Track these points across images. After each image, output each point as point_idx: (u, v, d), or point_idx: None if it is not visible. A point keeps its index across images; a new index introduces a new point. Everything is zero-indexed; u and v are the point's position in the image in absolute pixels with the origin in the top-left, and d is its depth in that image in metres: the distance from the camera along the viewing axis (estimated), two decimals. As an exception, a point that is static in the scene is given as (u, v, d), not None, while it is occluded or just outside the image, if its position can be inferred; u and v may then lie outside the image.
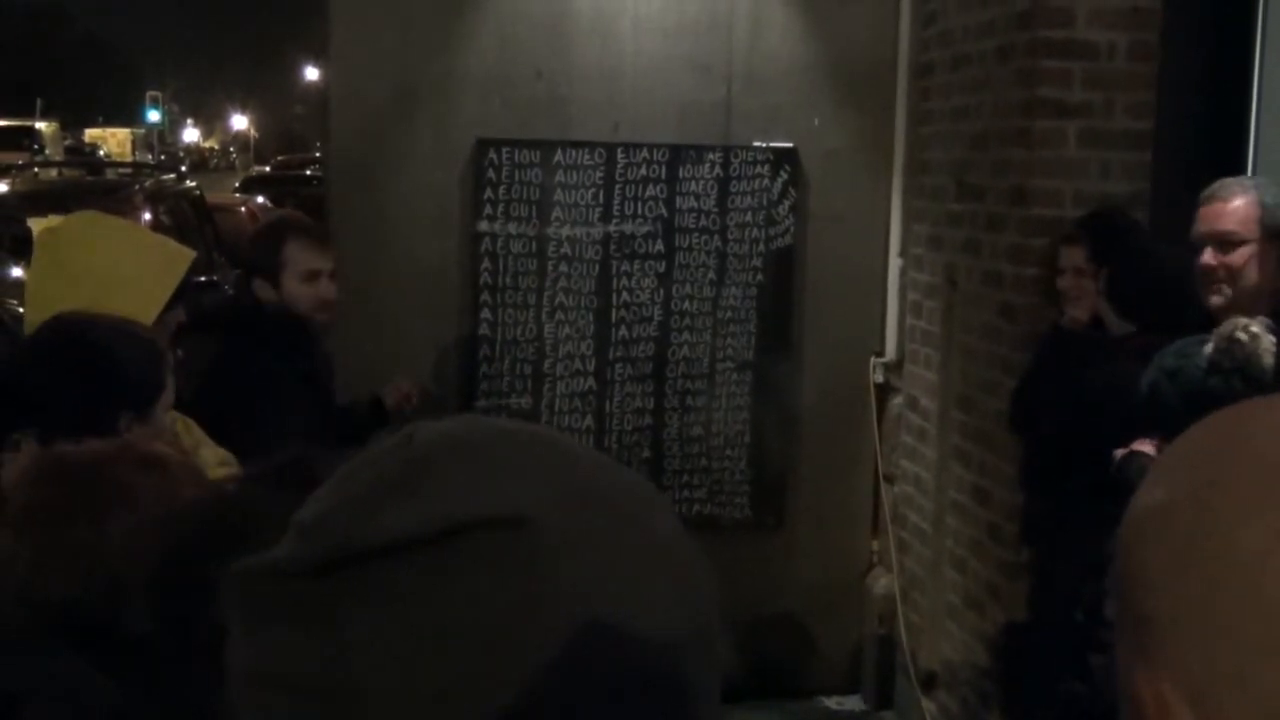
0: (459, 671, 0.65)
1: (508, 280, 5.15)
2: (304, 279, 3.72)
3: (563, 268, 5.18)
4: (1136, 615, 0.72)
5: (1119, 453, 2.92)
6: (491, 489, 0.69)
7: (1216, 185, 3.24)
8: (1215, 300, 3.15)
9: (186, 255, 3.07)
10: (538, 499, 0.69)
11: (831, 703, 5.54)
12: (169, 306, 2.87)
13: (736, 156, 5.25)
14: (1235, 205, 3.15)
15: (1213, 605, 0.68)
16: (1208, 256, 3.16)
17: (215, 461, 2.49)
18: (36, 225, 2.93)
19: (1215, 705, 0.67)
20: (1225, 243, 3.15)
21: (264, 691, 0.69)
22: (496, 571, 0.67)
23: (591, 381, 5.26)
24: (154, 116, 61.14)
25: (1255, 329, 2.69)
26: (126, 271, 2.78)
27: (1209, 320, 3.09)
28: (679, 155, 5.21)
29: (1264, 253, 3.12)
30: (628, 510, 0.73)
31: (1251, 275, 3.13)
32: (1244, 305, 3.04)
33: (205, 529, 1.16)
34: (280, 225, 4.09)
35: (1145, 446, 2.96)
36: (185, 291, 3.03)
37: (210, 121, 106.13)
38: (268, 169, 32.93)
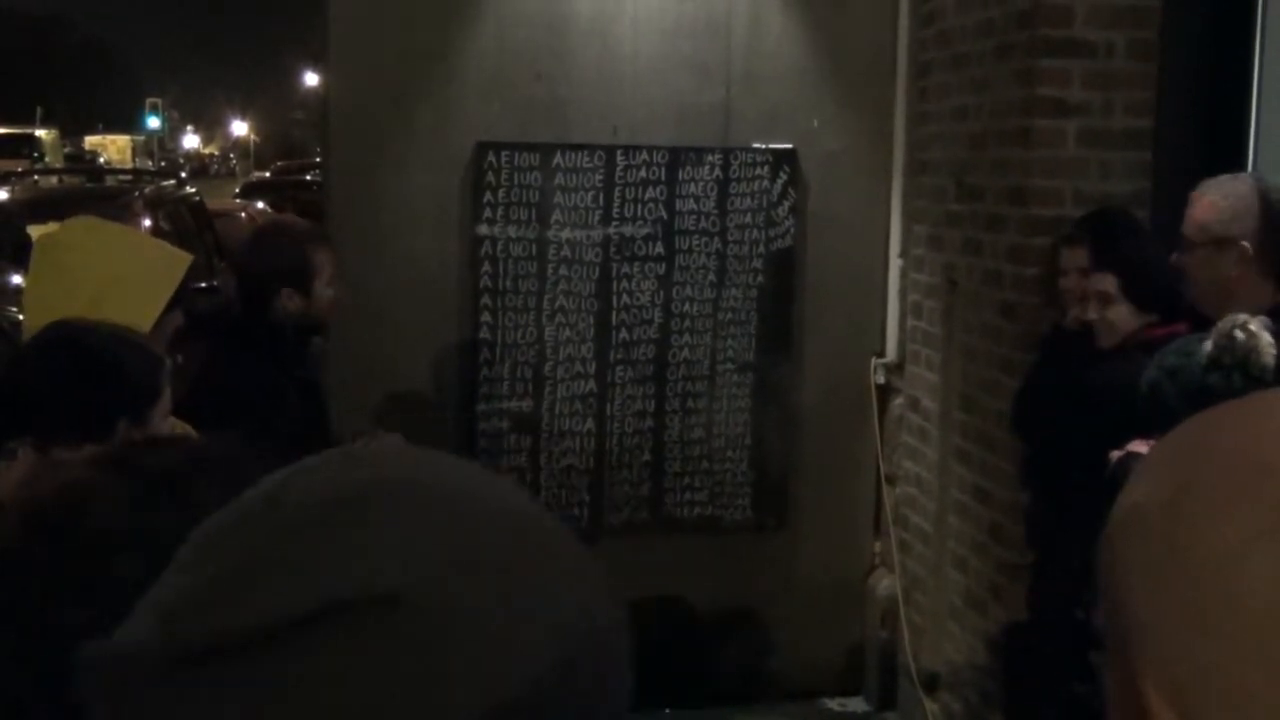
0: None
1: (508, 283, 5.15)
2: (329, 283, 3.79)
3: (563, 270, 5.18)
4: (1118, 616, 0.72)
5: (1115, 454, 2.91)
6: (365, 563, 0.66)
7: (1203, 183, 3.27)
8: (1188, 295, 3.24)
9: (184, 259, 3.06)
10: (415, 572, 0.66)
11: (834, 704, 5.53)
12: (167, 310, 2.87)
13: (736, 158, 5.24)
14: (1195, 208, 3.20)
15: (1189, 605, 0.68)
16: (1175, 256, 3.25)
17: None
18: (36, 232, 2.93)
19: (1195, 706, 0.67)
20: (1185, 243, 3.21)
21: None
22: (369, 654, 0.64)
23: (592, 384, 5.26)
24: (154, 123, 61.21)
25: (1253, 326, 2.69)
26: (124, 276, 2.78)
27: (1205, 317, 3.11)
28: (678, 157, 5.20)
29: (1210, 257, 3.15)
30: (515, 572, 0.70)
31: (1203, 276, 3.18)
32: (1208, 304, 3.08)
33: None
34: (305, 233, 4.10)
35: (1140, 447, 2.96)
36: (184, 295, 3.02)
37: (210, 128, 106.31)
38: (267, 174, 32.93)
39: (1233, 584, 0.67)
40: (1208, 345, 2.72)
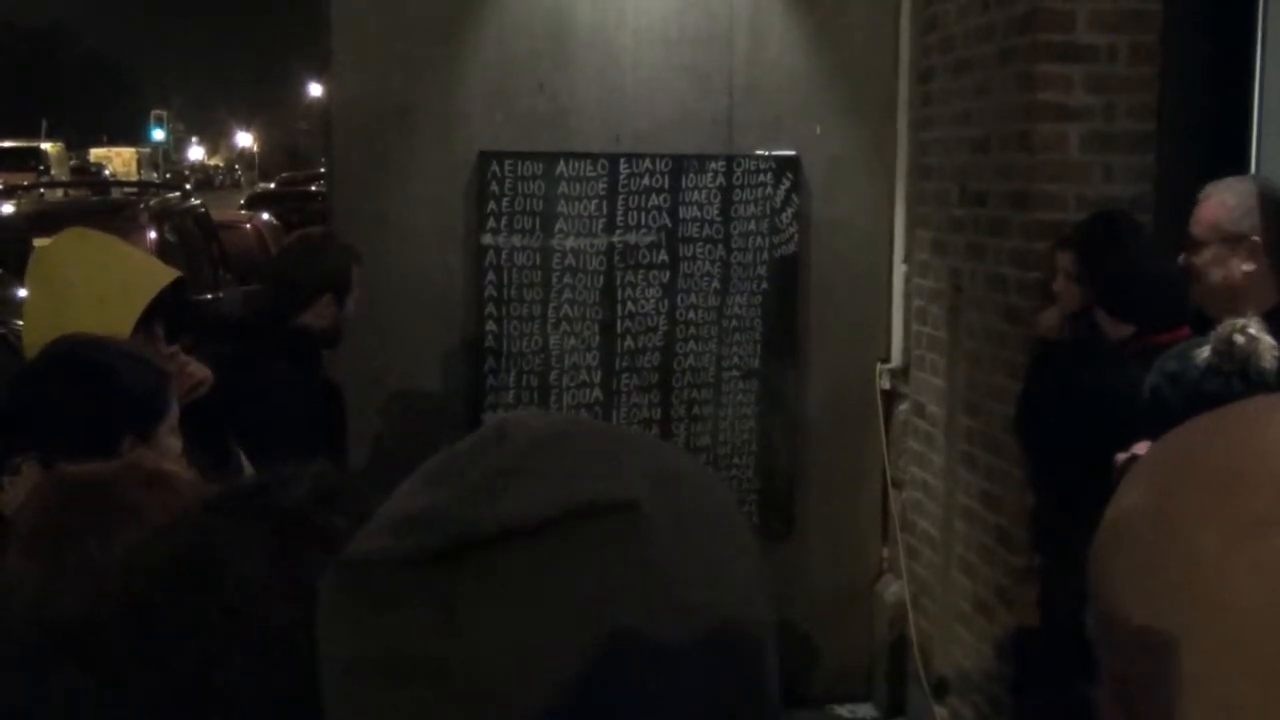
0: (576, 651, 0.67)
1: (513, 292, 5.16)
2: (356, 301, 3.91)
3: (567, 279, 5.19)
4: (1107, 620, 0.73)
5: (1121, 456, 2.91)
6: (601, 475, 0.71)
7: (1209, 185, 3.23)
8: (1194, 296, 3.18)
9: (166, 273, 3.01)
10: (641, 484, 0.71)
11: (844, 711, 5.53)
12: (153, 322, 2.85)
13: (739, 165, 5.25)
14: (1203, 208, 3.16)
15: (1172, 614, 0.69)
16: (1182, 257, 3.19)
17: None
18: (39, 246, 2.94)
19: (1180, 708, 0.68)
20: (1192, 243, 3.16)
21: (374, 677, 0.70)
22: (612, 554, 0.69)
23: (598, 392, 5.26)
24: (158, 135, 61.45)
25: (1253, 330, 2.68)
26: (106, 288, 2.77)
27: (1210, 320, 3.09)
28: (681, 165, 5.21)
29: (1221, 254, 3.12)
30: (707, 492, 0.76)
31: (1214, 275, 3.13)
32: (1216, 304, 3.05)
33: (169, 560, 1.15)
34: (349, 249, 4.10)
35: (1145, 450, 2.95)
36: (186, 310, 3.02)
37: (215, 139, 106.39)
38: (273, 186, 32.92)
39: (1212, 592, 0.68)
40: (1206, 350, 2.72)
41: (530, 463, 0.72)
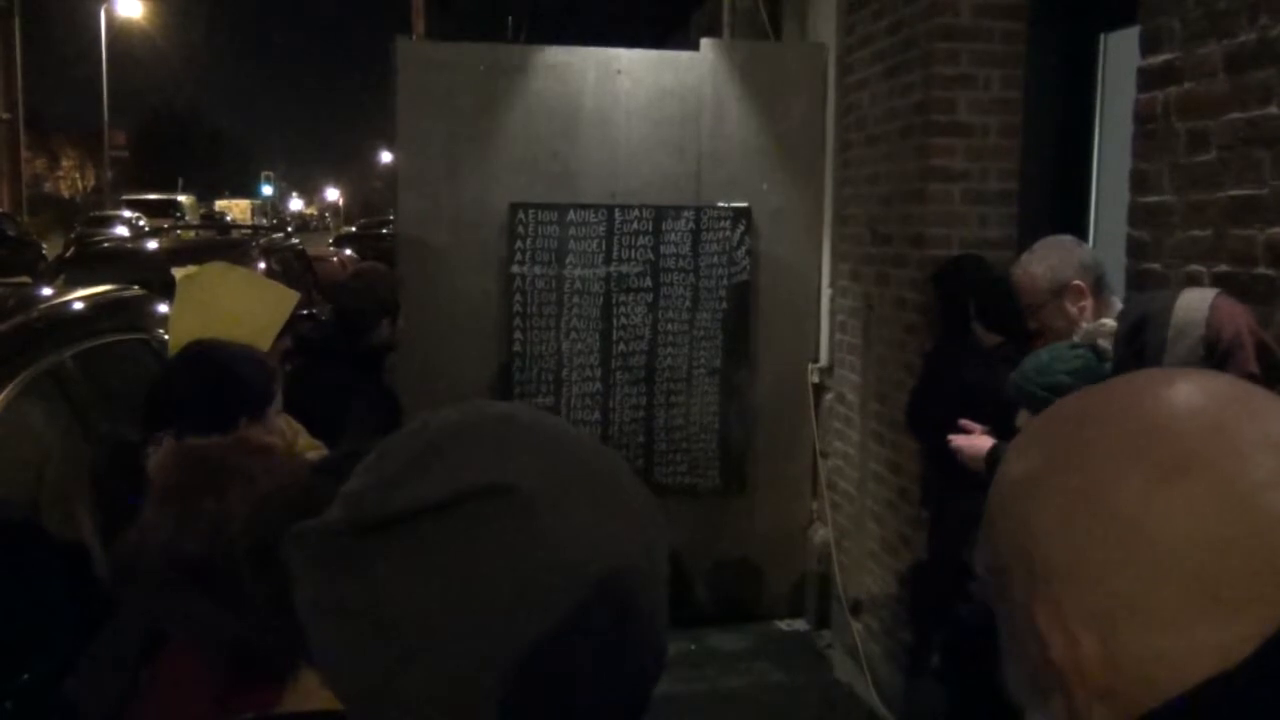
0: (462, 599, 0.67)
1: (534, 309, 5.15)
2: (404, 316, 3.87)
3: (575, 299, 5.18)
4: (1029, 566, 0.67)
5: (951, 445, 2.91)
6: (487, 465, 0.70)
7: (1018, 260, 3.11)
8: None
9: (293, 296, 3.02)
10: (523, 471, 0.69)
11: (783, 625, 5.53)
12: (280, 335, 2.85)
13: (705, 214, 5.25)
14: (1025, 280, 3.06)
15: (1104, 545, 0.64)
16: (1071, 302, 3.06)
17: (309, 447, 2.48)
18: (178, 273, 2.92)
19: (1113, 631, 0.64)
20: (1028, 308, 3.07)
21: (322, 616, 0.71)
22: (491, 528, 0.68)
23: (598, 385, 5.26)
24: (267, 190, 61.23)
25: (1109, 322, 2.70)
26: (248, 309, 2.76)
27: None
28: (662, 213, 5.21)
29: (1054, 305, 3.03)
30: (595, 474, 0.73)
31: (1056, 322, 3.04)
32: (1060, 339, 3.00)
33: (284, 509, 1.15)
34: (395, 278, 4.02)
35: (964, 440, 2.98)
36: (292, 322, 3.00)
37: (310, 193, 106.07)
38: (354, 229, 32.79)
39: (1142, 524, 0.63)
40: (1073, 343, 2.72)
41: (434, 455, 0.70)
